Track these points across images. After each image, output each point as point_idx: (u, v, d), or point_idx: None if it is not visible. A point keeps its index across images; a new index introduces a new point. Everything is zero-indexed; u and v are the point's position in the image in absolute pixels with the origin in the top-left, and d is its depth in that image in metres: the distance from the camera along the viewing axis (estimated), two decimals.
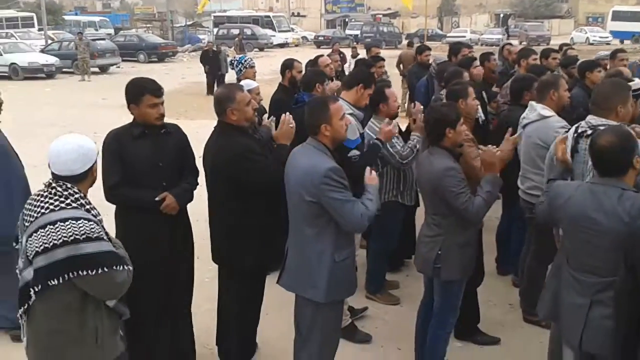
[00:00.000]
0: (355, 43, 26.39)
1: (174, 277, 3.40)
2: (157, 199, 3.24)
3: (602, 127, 3.10)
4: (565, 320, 2.75)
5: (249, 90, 4.74)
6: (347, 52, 12.97)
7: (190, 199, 3.45)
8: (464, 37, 37.96)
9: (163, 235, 3.33)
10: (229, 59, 17.33)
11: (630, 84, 3.41)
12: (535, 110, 4.09)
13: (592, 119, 3.20)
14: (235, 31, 34.93)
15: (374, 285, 4.65)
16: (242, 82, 5.05)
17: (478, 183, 3.33)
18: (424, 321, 3.58)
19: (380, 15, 51.81)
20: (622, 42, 36.03)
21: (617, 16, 42.31)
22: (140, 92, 3.24)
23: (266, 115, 4.27)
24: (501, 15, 51.01)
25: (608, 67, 6.10)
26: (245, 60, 5.66)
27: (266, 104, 5.27)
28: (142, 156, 3.26)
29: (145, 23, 44.33)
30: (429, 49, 8.58)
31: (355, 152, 3.79)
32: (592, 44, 36.04)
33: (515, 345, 4.04)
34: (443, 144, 3.31)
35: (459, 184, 3.20)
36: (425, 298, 3.65)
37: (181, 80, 20.68)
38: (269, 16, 45.38)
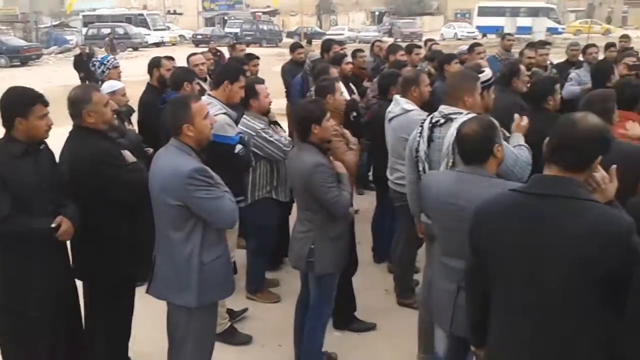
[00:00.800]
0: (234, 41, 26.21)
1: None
2: (52, 225, 2.93)
3: (453, 116, 3.35)
4: (436, 305, 2.88)
5: (113, 92, 4.58)
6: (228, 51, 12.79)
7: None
8: (342, 34, 39.05)
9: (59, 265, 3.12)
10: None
11: (481, 75, 3.67)
12: (399, 104, 4.29)
13: (444, 109, 3.42)
14: (106, 31, 33.39)
15: (254, 284, 4.67)
16: (106, 84, 4.86)
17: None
18: (302, 316, 3.65)
19: (260, 13, 51.84)
20: (484, 36, 38.93)
21: (483, 12, 45.63)
22: (32, 101, 2.90)
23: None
24: (376, 13, 53.05)
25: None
26: (107, 61, 5.43)
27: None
28: (26, 178, 2.90)
29: (7, 25, 41.09)
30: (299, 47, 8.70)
31: (239, 147, 3.91)
32: (460, 39, 38.51)
33: (390, 328, 4.25)
34: (311, 140, 3.39)
35: (328, 180, 3.29)
36: (302, 293, 3.72)
37: (47, 85, 19.33)
38: (142, 14, 43.82)
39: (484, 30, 41.72)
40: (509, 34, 8.54)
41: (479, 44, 6.85)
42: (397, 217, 4.59)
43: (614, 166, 2.12)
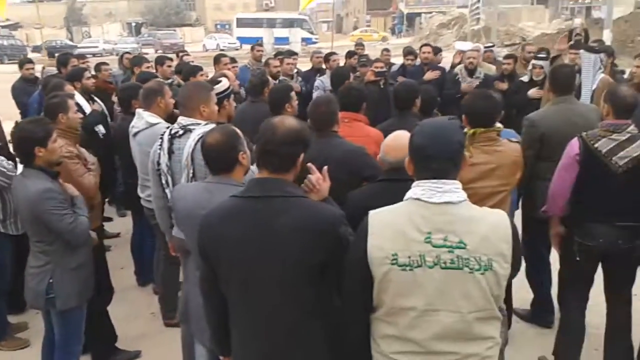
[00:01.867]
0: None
1: None
2: None
3: (191, 127, 3.36)
4: (194, 320, 2.84)
5: None
6: None
7: None
8: (97, 47, 37.00)
9: None
10: None
11: (217, 86, 3.75)
12: (143, 118, 4.15)
13: (182, 120, 3.43)
14: None
15: None
16: None
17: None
18: (49, 358, 3.33)
19: None
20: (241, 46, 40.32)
21: (241, 23, 47.16)
22: None
23: None
24: (133, 25, 51.30)
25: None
26: None
27: None
28: None
29: None
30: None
31: None
32: (222, 49, 39.36)
33: (157, 352, 4.11)
34: (36, 164, 3.10)
35: (59, 206, 3.04)
36: (47, 333, 3.39)
37: None
38: None
39: (245, 41, 43.12)
40: (259, 45, 8.93)
41: (224, 55, 7.05)
42: (156, 235, 4.46)
43: (326, 167, 2.35)
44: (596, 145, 3.22)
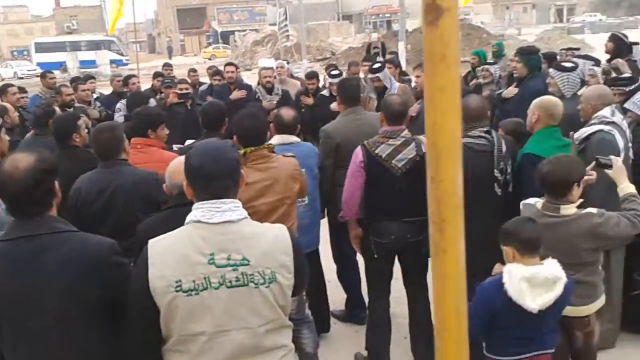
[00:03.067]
0: None
1: None
2: None
3: None
4: None
5: None
6: None
7: None
8: None
9: None
10: None
11: None
12: None
13: None
14: None
15: None
16: None
17: None
18: None
19: None
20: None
21: (41, 48, 43.76)
22: None
23: None
24: None
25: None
26: None
27: None
28: None
29: None
30: None
31: None
32: (21, 77, 36.13)
33: None
34: None
35: None
36: None
37: None
38: None
39: (46, 67, 39.94)
40: (50, 72, 8.34)
41: (10, 85, 6.52)
42: None
43: None
44: (377, 151, 3.55)
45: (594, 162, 3.19)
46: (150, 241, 1.93)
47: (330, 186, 4.16)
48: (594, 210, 2.91)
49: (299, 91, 7.65)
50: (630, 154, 3.71)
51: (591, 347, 3.11)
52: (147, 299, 1.85)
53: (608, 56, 6.68)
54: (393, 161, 3.53)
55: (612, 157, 3.13)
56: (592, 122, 3.77)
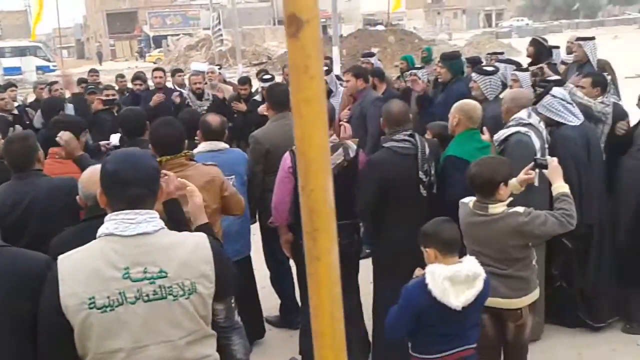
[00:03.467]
0: None
1: None
2: None
3: None
4: None
5: None
6: None
7: None
8: None
9: None
10: None
11: None
12: None
13: None
14: None
15: None
16: None
17: None
18: None
19: None
20: None
21: None
22: None
23: None
24: None
25: None
26: None
27: None
28: None
29: None
30: None
31: None
32: None
33: None
34: None
35: None
36: None
37: None
38: None
39: None
40: None
41: None
42: None
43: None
44: None
45: (532, 163, 3.34)
46: (60, 257, 1.85)
47: (260, 192, 4.16)
48: (520, 209, 3.03)
49: (231, 96, 7.60)
50: (547, 153, 3.88)
51: (522, 339, 3.23)
52: (59, 318, 1.77)
53: (530, 60, 6.99)
54: None
55: (548, 157, 3.27)
56: (510, 124, 3.94)
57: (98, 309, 1.78)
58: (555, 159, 3.22)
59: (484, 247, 3.09)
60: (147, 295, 1.82)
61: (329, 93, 6.55)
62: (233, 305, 2.92)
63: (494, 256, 3.08)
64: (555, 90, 4.13)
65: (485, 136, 3.91)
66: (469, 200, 3.17)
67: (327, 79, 6.50)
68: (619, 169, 4.36)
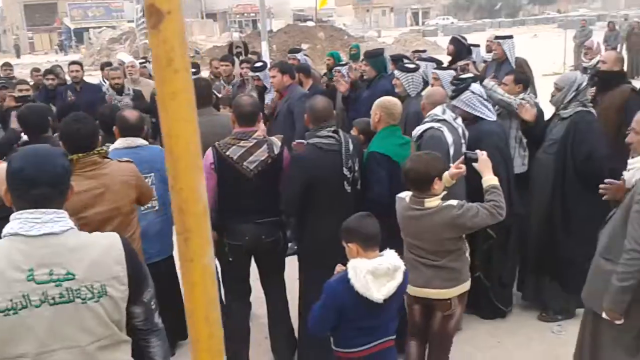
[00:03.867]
0: None
1: None
2: None
3: None
4: None
5: None
6: None
7: None
8: None
9: None
10: None
11: None
12: None
13: None
14: None
15: None
16: None
17: None
18: None
19: None
20: None
21: None
22: None
23: None
24: None
25: None
26: None
27: None
28: None
29: None
30: None
31: None
32: None
33: None
34: None
35: None
36: None
37: None
38: None
39: None
40: None
41: None
42: None
43: None
44: (228, 153, 3.53)
45: (463, 157, 3.46)
46: None
47: None
48: (454, 202, 3.14)
49: (153, 92, 7.40)
50: (464, 148, 4.01)
51: (448, 329, 3.32)
52: None
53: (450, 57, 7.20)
54: (245, 163, 3.54)
55: (477, 151, 3.38)
56: (426, 120, 4.06)
57: (0, 312, 1.71)
58: (484, 153, 3.33)
59: (420, 240, 3.20)
60: (53, 299, 1.76)
61: (264, 89, 6.50)
62: (153, 307, 2.84)
63: (429, 248, 3.19)
64: (474, 87, 4.29)
65: None
66: (406, 195, 3.24)
67: (261, 75, 6.46)
68: (532, 163, 4.58)
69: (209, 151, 3.56)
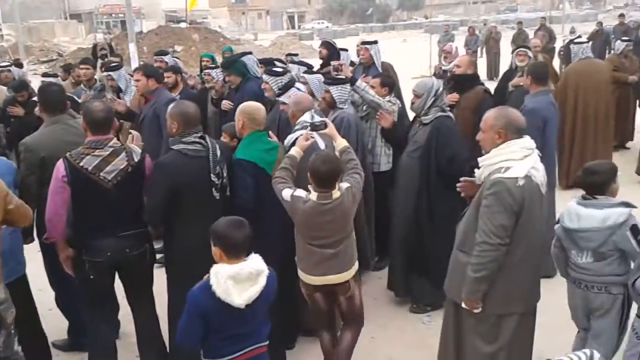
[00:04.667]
0: None
1: None
2: None
3: None
4: None
5: None
6: None
7: None
8: None
9: None
10: None
11: None
12: None
13: None
14: None
15: None
16: None
17: None
18: None
19: None
20: None
21: None
22: None
23: None
24: None
25: None
26: None
27: None
28: None
29: None
30: None
31: None
32: None
33: None
34: None
35: None
36: None
37: None
38: None
39: None
40: None
41: None
42: None
43: None
44: (81, 164, 3.32)
45: (309, 127, 3.71)
46: None
47: (37, 205, 3.77)
48: (346, 184, 3.44)
49: (6, 100, 6.84)
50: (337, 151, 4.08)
51: (355, 308, 3.65)
52: None
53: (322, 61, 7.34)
54: (101, 174, 3.34)
55: (323, 118, 3.65)
56: (296, 127, 4.08)
57: None
58: (329, 120, 3.65)
59: (327, 231, 3.40)
60: None
61: (119, 90, 6.22)
62: (13, 332, 2.63)
63: (332, 237, 3.41)
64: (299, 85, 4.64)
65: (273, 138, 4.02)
66: (306, 194, 3.37)
67: (115, 75, 6.19)
68: (397, 165, 4.80)
69: (60, 163, 3.33)
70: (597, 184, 3.21)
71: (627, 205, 3.13)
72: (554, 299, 3.75)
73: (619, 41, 9.26)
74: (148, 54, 23.94)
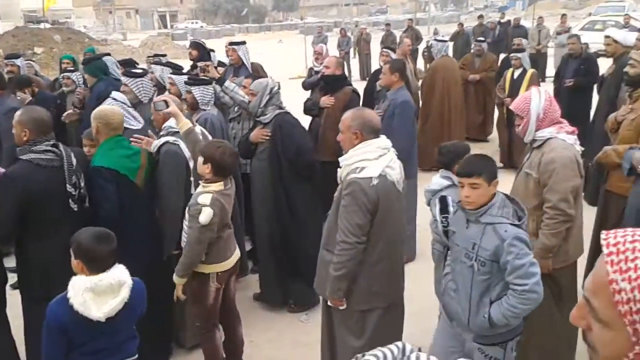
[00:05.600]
0: None
1: None
2: None
3: None
4: None
5: None
6: None
7: None
8: None
9: None
10: None
11: None
12: None
13: None
14: None
15: None
16: None
17: None
18: None
19: None
20: None
21: None
22: None
23: None
24: None
25: None
26: None
27: None
28: None
29: None
30: None
31: None
32: None
33: None
34: None
35: None
36: None
37: None
38: None
39: None
40: None
41: None
42: None
43: None
44: None
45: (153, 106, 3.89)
46: None
47: None
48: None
49: None
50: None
51: (233, 294, 3.85)
52: None
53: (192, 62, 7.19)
54: None
55: (164, 100, 3.80)
56: (161, 133, 3.94)
57: None
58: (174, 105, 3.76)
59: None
60: None
61: None
62: None
63: (226, 219, 3.55)
64: (115, 94, 4.40)
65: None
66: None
67: None
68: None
69: None
70: (445, 162, 3.42)
71: (449, 179, 3.34)
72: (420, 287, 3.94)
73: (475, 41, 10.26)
74: (3, 57, 22.22)
